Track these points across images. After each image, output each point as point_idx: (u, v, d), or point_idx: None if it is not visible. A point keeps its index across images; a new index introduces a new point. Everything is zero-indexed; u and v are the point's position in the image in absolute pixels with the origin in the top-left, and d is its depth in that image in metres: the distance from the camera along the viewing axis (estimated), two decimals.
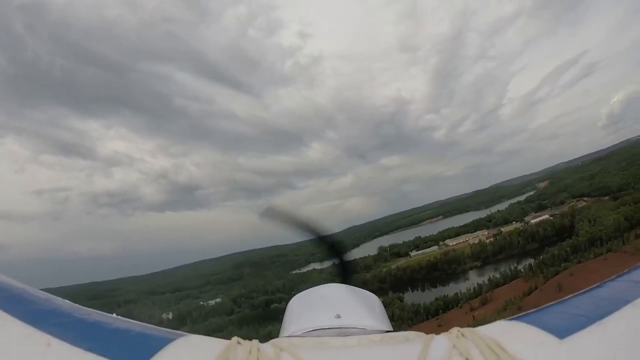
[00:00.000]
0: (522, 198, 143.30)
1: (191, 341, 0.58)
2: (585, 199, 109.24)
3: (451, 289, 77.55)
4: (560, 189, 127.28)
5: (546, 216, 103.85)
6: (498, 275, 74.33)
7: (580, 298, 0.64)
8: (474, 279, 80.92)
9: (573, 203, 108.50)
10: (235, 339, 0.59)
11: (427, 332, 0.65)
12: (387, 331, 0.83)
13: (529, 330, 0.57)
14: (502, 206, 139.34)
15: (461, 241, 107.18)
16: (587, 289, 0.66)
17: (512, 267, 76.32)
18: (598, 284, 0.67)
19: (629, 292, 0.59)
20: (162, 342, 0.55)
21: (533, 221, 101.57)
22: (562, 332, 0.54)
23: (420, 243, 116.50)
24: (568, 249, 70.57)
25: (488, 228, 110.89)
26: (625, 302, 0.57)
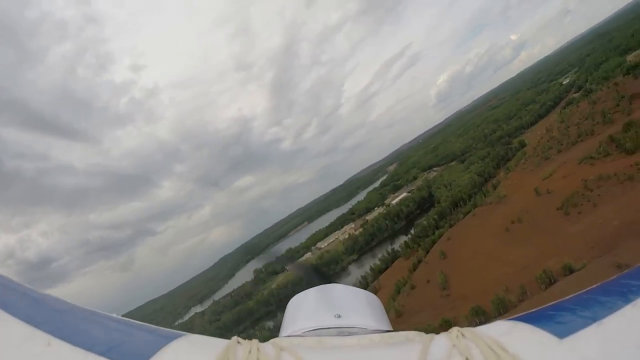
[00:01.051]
0: (377, 184, 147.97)
1: (191, 341, 0.58)
2: (435, 168, 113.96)
3: None
4: (409, 166, 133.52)
5: (404, 194, 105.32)
6: (378, 262, 69.32)
7: (580, 298, 0.64)
8: (356, 273, 75.97)
9: (425, 175, 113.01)
10: (235, 338, 0.59)
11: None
12: (387, 331, 0.82)
13: (529, 330, 0.57)
14: (361, 197, 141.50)
15: (332, 240, 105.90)
16: (587, 289, 0.66)
17: (389, 250, 72.12)
18: (598, 284, 0.66)
19: (629, 292, 0.59)
20: (162, 342, 0.55)
21: (394, 202, 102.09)
22: (562, 332, 0.55)
23: (293, 254, 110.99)
24: (435, 217, 69.01)
25: (354, 220, 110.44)
26: (626, 301, 0.57)
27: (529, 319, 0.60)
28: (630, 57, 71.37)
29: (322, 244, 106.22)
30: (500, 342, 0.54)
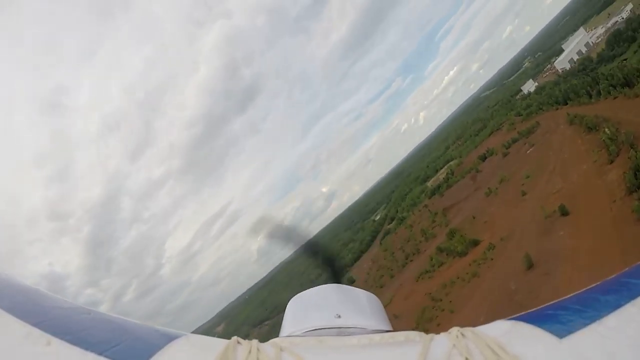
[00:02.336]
0: None
1: (191, 341, 0.58)
2: (266, 322, 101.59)
3: None
4: (238, 324, 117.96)
5: None
6: None
7: (580, 297, 0.64)
8: None
9: (256, 331, 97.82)
10: (235, 338, 0.58)
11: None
12: (387, 331, 0.83)
13: (528, 330, 0.57)
14: None
15: None
16: (587, 288, 0.66)
17: None
18: (598, 283, 0.66)
19: (629, 291, 0.59)
20: (162, 342, 0.55)
21: None
22: (562, 332, 0.54)
23: None
24: None
25: None
26: (626, 301, 0.57)
27: (529, 319, 0.60)
28: (430, 183, 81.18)
29: None
30: (500, 342, 0.53)
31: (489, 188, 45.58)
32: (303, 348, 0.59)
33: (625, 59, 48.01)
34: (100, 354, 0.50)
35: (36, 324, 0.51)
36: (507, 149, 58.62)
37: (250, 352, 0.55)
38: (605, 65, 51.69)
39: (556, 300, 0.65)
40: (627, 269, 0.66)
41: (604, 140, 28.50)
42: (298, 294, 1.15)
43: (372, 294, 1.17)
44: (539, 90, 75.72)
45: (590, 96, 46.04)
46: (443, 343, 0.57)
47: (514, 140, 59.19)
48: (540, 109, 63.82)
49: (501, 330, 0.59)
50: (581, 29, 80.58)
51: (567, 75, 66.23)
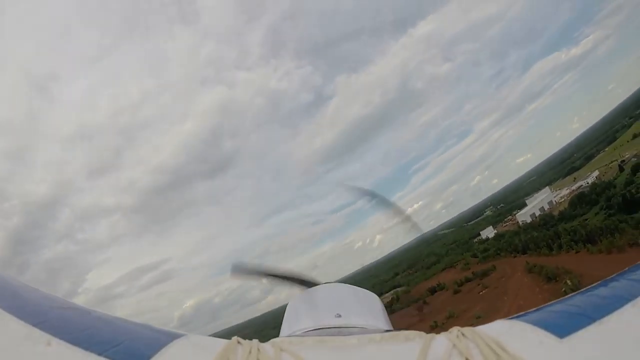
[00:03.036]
0: None
1: (191, 341, 0.58)
2: None
3: None
4: None
5: None
6: None
7: (581, 297, 0.64)
8: None
9: None
10: (235, 338, 0.59)
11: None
12: (388, 330, 0.83)
13: (529, 330, 0.57)
14: None
15: None
16: (587, 288, 0.66)
17: None
18: (598, 282, 0.66)
19: (629, 291, 0.59)
20: (162, 342, 0.55)
21: None
22: (562, 332, 0.54)
23: None
24: None
25: None
26: (626, 301, 0.57)
27: (529, 319, 0.60)
28: None
29: None
30: (500, 342, 0.54)
31: (435, 321, 40.40)
32: (303, 348, 0.59)
33: (586, 219, 47.29)
34: (100, 354, 0.49)
35: (36, 324, 0.51)
36: (459, 286, 56.39)
37: (250, 352, 0.55)
38: (566, 223, 51.03)
39: (556, 300, 0.65)
40: (626, 269, 0.66)
41: (564, 290, 27.06)
42: (298, 294, 1.14)
43: (372, 294, 1.17)
44: (498, 237, 75.35)
45: (551, 249, 45.35)
46: (443, 343, 0.57)
47: (468, 280, 57.28)
48: (498, 254, 62.99)
49: (501, 330, 0.59)
50: (547, 188, 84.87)
51: (527, 227, 65.91)
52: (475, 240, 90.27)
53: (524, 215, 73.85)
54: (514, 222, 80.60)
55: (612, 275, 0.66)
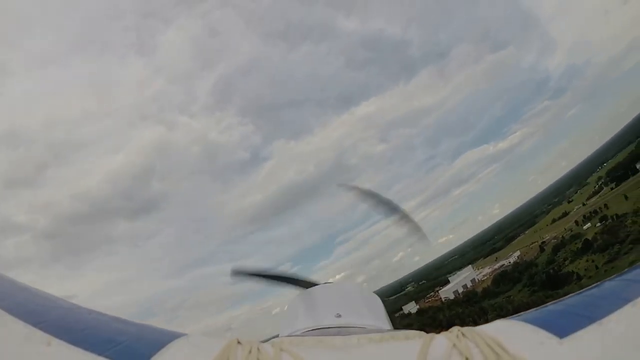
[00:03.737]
0: None
1: (191, 341, 0.58)
2: None
3: None
4: None
5: None
6: None
7: (581, 297, 0.64)
8: None
9: None
10: (235, 338, 0.59)
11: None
12: (387, 330, 0.83)
13: (529, 330, 0.57)
14: None
15: None
16: (587, 288, 0.67)
17: None
18: (598, 283, 0.66)
19: (629, 292, 0.59)
20: (162, 342, 0.55)
21: None
22: (562, 332, 0.54)
23: None
24: None
25: None
26: (626, 301, 0.57)
27: (529, 319, 0.60)
28: None
29: None
30: (500, 342, 0.54)
31: None
32: (303, 348, 0.59)
33: (509, 296, 46.95)
34: (100, 354, 0.50)
35: (36, 324, 0.52)
36: None
37: (250, 352, 0.55)
38: (489, 300, 50.37)
39: (556, 300, 0.66)
40: (626, 270, 0.66)
41: None
42: (298, 294, 1.14)
43: (372, 293, 1.16)
44: (421, 312, 73.51)
45: (477, 324, 42.74)
46: (443, 342, 0.57)
47: None
48: (422, 329, 59.37)
49: (501, 329, 0.59)
50: (469, 267, 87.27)
51: (450, 304, 64.99)
52: (397, 315, 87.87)
53: (447, 292, 74.33)
54: (436, 298, 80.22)
55: (612, 276, 0.66)
